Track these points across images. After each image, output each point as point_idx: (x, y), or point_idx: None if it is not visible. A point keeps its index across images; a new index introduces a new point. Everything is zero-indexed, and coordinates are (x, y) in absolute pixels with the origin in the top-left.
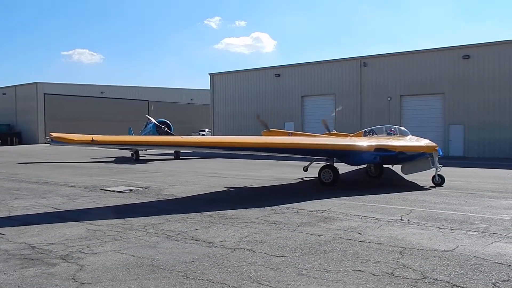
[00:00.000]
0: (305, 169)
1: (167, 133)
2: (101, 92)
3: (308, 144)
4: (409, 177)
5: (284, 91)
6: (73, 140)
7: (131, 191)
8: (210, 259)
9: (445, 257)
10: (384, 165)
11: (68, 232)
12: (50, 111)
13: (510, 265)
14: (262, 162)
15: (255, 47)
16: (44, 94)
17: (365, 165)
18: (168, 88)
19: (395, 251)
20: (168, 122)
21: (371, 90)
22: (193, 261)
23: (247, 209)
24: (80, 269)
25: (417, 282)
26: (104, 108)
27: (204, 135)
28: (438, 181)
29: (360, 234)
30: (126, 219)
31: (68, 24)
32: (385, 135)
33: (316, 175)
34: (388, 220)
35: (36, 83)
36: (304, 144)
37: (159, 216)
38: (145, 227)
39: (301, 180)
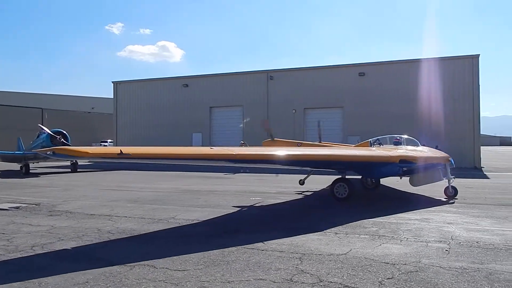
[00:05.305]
0: (302, 182)
1: (63, 144)
2: None
3: (341, 156)
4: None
5: (192, 102)
6: (87, 153)
7: (18, 208)
8: (106, 278)
9: (340, 260)
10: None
11: None
12: None
13: (394, 264)
14: (165, 174)
15: (161, 55)
16: None
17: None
18: (66, 95)
19: (295, 258)
20: (65, 132)
21: (277, 103)
22: (87, 282)
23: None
24: None
25: (313, 286)
26: None
27: (106, 145)
28: (452, 192)
29: (263, 243)
30: (10, 240)
31: None
32: (392, 145)
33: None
34: None
35: None
36: (338, 156)
37: (50, 234)
38: (33, 248)
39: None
